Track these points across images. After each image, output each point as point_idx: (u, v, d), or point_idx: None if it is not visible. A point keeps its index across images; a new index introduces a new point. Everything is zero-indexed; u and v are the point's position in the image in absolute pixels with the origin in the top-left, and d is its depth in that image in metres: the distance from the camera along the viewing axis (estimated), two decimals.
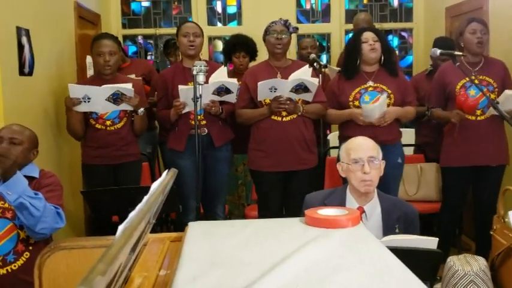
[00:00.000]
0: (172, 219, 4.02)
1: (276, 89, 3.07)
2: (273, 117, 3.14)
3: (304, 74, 3.09)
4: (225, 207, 3.58)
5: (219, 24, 5.28)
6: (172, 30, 4.55)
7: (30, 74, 3.04)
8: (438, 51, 3.13)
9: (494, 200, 3.18)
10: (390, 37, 5.30)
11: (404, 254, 1.37)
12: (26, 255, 2.22)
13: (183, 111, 3.17)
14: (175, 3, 5.27)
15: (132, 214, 1.06)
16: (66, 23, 3.80)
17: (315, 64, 3.58)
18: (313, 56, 3.86)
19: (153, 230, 1.55)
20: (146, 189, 1.34)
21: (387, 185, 2.79)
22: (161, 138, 4.02)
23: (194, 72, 2.68)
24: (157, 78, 3.76)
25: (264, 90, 3.08)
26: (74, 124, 3.21)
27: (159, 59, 5.30)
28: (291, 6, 5.15)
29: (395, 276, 1.18)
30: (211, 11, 5.25)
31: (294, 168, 3.17)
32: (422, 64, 5.02)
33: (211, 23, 5.24)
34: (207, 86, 2.96)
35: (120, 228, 0.96)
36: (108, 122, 3.23)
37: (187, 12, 5.24)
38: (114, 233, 0.98)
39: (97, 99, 3.12)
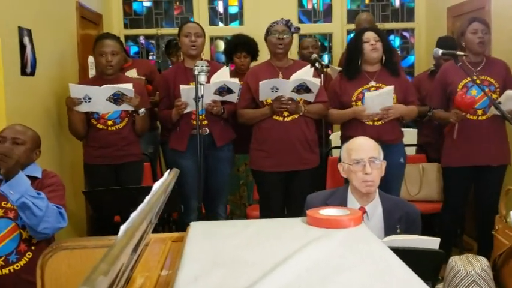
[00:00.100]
0: (174, 219, 4.02)
1: (277, 89, 3.07)
2: (274, 117, 3.14)
3: (305, 74, 3.09)
4: (226, 207, 3.58)
5: (221, 24, 5.28)
6: (174, 31, 4.56)
7: (32, 74, 3.05)
8: (440, 51, 3.13)
9: (496, 200, 3.17)
10: (392, 37, 5.30)
11: (406, 254, 1.37)
12: (29, 255, 2.22)
13: (185, 111, 3.17)
14: (177, 3, 5.27)
15: (134, 214, 1.06)
16: (68, 23, 3.81)
17: (316, 64, 3.58)
18: (315, 56, 3.86)
19: (155, 230, 1.56)
20: (148, 189, 1.34)
21: (389, 184, 2.79)
22: (163, 138, 4.02)
23: (196, 72, 2.68)
24: (159, 79, 3.76)
25: (266, 90, 3.08)
26: (76, 124, 3.21)
27: (160, 59, 5.30)
28: (293, 6, 5.15)
29: (397, 277, 1.18)
30: (212, 11, 5.25)
31: (295, 168, 3.17)
32: (424, 64, 5.02)
33: (212, 23, 5.24)
34: (208, 86, 2.96)
35: (122, 228, 0.97)
36: (109, 122, 3.23)
37: (188, 12, 5.24)
38: (116, 233, 0.98)
39: (98, 99, 3.12)
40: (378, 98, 3.07)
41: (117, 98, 3.14)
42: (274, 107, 3.09)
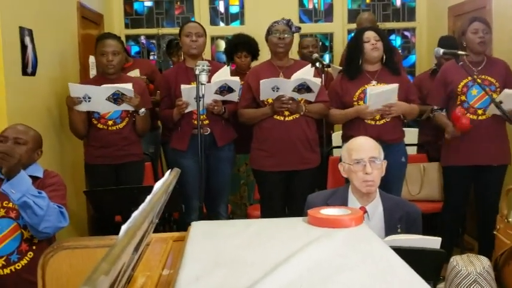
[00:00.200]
0: (175, 218, 4.02)
1: (278, 88, 3.07)
2: (275, 116, 3.14)
3: (306, 73, 3.09)
4: (228, 206, 3.58)
5: (222, 24, 5.28)
6: (175, 30, 4.55)
7: (33, 74, 3.05)
8: (441, 50, 3.13)
9: (496, 199, 3.18)
10: (393, 37, 5.29)
11: (407, 254, 1.37)
12: (30, 255, 2.22)
13: (186, 111, 3.17)
14: (178, 3, 5.28)
15: (135, 214, 1.06)
16: (69, 23, 3.81)
17: (317, 64, 3.58)
18: (315, 55, 3.86)
19: (156, 230, 1.56)
20: (149, 189, 1.34)
21: (391, 184, 2.79)
22: (164, 138, 4.02)
23: (197, 72, 2.68)
24: (160, 78, 3.76)
25: (267, 89, 3.08)
26: (76, 124, 3.21)
27: (161, 59, 5.30)
28: (294, 6, 5.15)
29: (399, 276, 1.18)
30: (213, 10, 5.25)
31: (296, 168, 3.17)
32: (425, 63, 5.02)
33: (213, 22, 5.24)
34: (209, 86, 2.96)
35: (123, 228, 0.97)
36: (110, 122, 3.23)
37: (189, 12, 5.24)
38: (117, 232, 0.98)
39: (97, 99, 3.12)
40: (381, 95, 3.07)
41: (116, 98, 3.14)
42: (275, 106, 3.09)
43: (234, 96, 3.24)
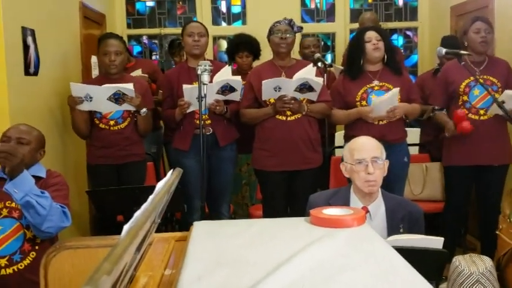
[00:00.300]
0: (177, 218, 4.03)
1: (280, 88, 3.07)
2: (277, 116, 3.14)
3: (308, 73, 3.09)
4: (230, 206, 3.58)
5: (224, 24, 5.28)
6: (177, 30, 4.56)
7: (35, 74, 3.06)
8: (444, 50, 3.12)
9: (498, 199, 3.17)
10: (395, 36, 5.29)
11: (409, 254, 1.37)
12: (32, 254, 2.23)
13: (188, 111, 3.17)
14: (180, 3, 5.28)
15: (137, 214, 1.06)
16: (71, 23, 3.81)
17: (319, 63, 3.57)
18: (318, 55, 3.85)
19: (158, 230, 1.56)
20: (151, 189, 1.34)
21: (393, 184, 2.79)
22: (166, 138, 4.02)
23: (199, 72, 2.68)
24: (162, 78, 3.76)
25: (269, 89, 3.08)
26: (79, 123, 3.22)
27: (163, 59, 5.31)
28: (296, 6, 5.15)
29: (401, 276, 1.18)
30: (215, 10, 5.25)
31: (298, 168, 3.17)
32: (427, 63, 5.01)
33: (215, 22, 5.24)
34: (211, 85, 2.96)
35: (126, 227, 0.97)
36: (111, 122, 3.24)
37: (191, 12, 5.25)
38: (119, 232, 0.98)
39: (99, 99, 3.13)
40: (385, 102, 3.08)
41: (118, 98, 3.14)
42: (277, 106, 3.09)
43: (236, 96, 3.24)
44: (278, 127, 3.14)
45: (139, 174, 3.35)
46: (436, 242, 1.92)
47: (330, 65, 3.88)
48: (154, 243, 1.66)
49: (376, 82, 3.18)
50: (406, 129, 3.35)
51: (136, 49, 5.33)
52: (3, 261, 2.19)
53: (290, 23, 3.20)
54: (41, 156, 2.38)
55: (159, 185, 1.39)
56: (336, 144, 4.02)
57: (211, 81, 2.89)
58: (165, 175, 1.56)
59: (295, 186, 3.21)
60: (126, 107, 3.19)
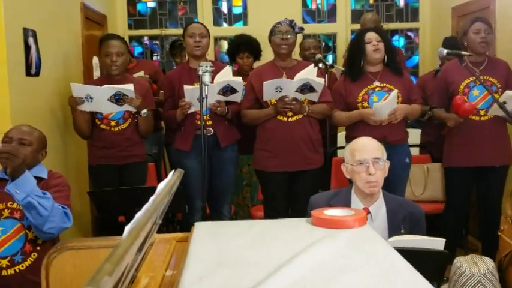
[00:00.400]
0: (178, 219, 4.02)
1: (281, 89, 3.07)
2: (278, 117, 3.14)
3: (309, 73, 3.09)
4: (231, 207, 3.58)
5: (225, 25, 5.28)
6: (178, 31, 4.56)
7: (37, 74, 3.06)
8: (445, 51, 3.12)
9: (498, 200, 3.17)
10: (396, 37, 5.29)
11: (411, 255, 1.37)
12: (34, 255, 2.23)
13: (189, 111, 3.18)
14: (181, 3, 5.29)
15: (138, 214, 1.06)
16: (73, 24, 3.82)
17: (320, 64, 3.57)
18: (319, 56, 3.85)
19: (160, 231, 1.56)
20: (153, 190, 1.34)
21: (395, 185, 2.79)
22: (167, 138, 4.03)
23: (200, 73, 2.68)
24: (163, 79, 3.76)
25: (270, 90, 3.08)
26: (80, 124, 3.22)
27: (165, 60, 5.31)
28: (297, 7, 5.15)
29: (402, 277, 1.18)
30: (217, 11, 5.25)
31: (299, 169, 3.17)
32: (428, 64, 5.00)
33: (217, 23, 5.25)
34: (212, 86, 2.96)
35: (127, 228, 0.97)
36: (112, 123, 3.24)
37: (193, 13, 5.25)
38: (120, 233, 0.98)
39: (99, 99, 3.13)
40: (386, 105, 3.08)
41: (118, 99, 3.14)
42: (278, 107, 3.09)
43: (237, 97, 3.24)
44: (279, 128, 3.14)
45: (140, 175, 3.35)
46: (437, 243, 1.91)
47: (331, 66, 3.88)
48: (155, 244, 1.66)
49: (377, 83, 3.18)
50: (407, 130, 3.35)
51: (138, 50, 5.34)
52: (5, 262, 2.20)
53: (291, 24, 3.20)
54: (42, 157, 2.38)
55: (161, 185, 1.40)
56: (338, 145, 4.02)
57: (212, 82, 2.89)
58: (166, 176, 1.57)
59: (296, 187, 3.21)
60: (126, 107, 3.19)
